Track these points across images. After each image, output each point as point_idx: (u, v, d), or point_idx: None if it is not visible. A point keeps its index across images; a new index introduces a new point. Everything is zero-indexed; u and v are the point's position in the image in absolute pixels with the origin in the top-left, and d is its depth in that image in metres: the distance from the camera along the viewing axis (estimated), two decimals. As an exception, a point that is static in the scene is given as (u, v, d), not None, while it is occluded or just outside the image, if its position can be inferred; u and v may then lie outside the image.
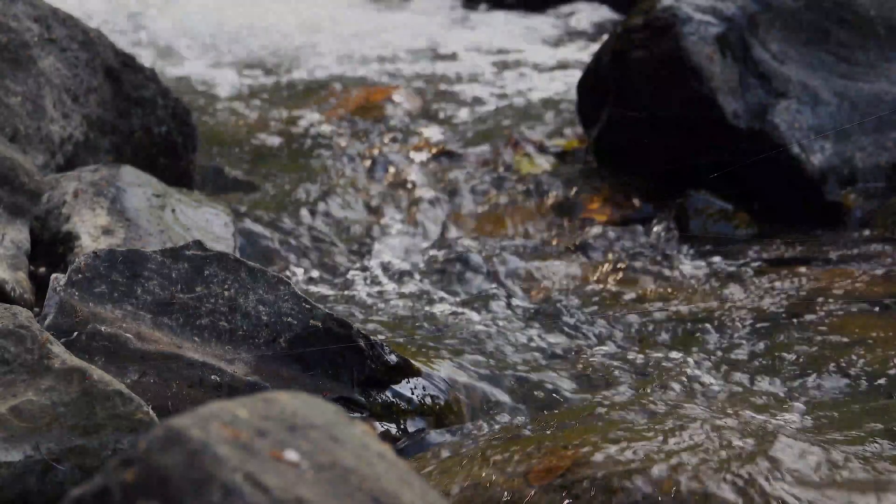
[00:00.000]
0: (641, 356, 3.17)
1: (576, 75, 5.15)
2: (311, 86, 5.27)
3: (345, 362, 2.72)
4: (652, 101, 4.16)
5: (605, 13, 6.54)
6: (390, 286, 3.69)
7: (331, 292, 3.61)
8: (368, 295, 3.61)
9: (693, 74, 4.07)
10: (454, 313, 3.46)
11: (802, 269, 3.70)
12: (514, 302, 3.54)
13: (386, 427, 2.72)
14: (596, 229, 4.06)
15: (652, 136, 4.18)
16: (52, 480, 2.27)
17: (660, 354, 3.18)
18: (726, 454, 2.37)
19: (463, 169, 4.40)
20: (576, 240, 3.98)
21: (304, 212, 4.12)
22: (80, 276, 2.68)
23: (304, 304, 2.74)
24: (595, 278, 3.73)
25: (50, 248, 3.33)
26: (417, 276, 3.75)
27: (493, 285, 3.71)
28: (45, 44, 3.71)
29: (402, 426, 2.74)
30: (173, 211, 3.44)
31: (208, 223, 3.49)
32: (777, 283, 3.62)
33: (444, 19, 6.54)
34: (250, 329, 2.70)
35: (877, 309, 3.40)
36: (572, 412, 2.77)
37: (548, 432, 2.60)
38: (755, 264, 3.76)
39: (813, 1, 4.27)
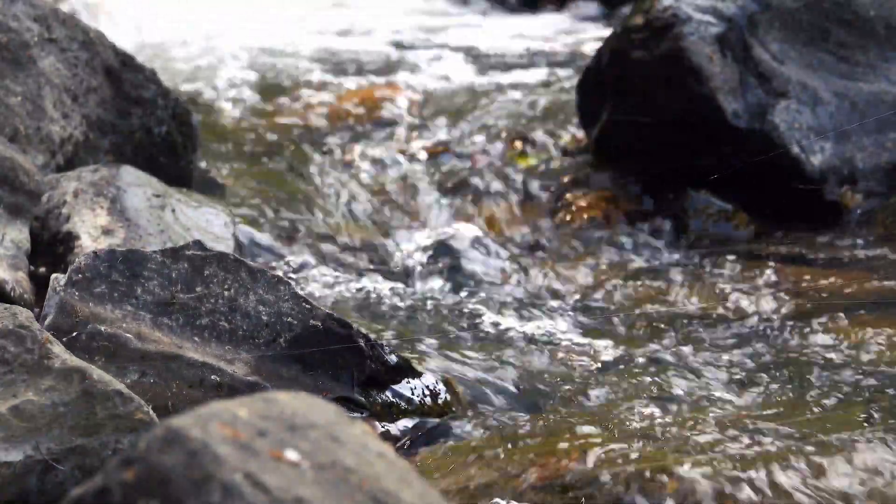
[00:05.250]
0: (642, 356, 3.17)
1: (576, 75, 5.14)
2: (311, 85, 5.27)
3: (345, 362, 2.72)
4: (652, 101, 4.15)
5: (606, 12, 6.54)
6: (391, 285, 3.69)
7: (331, 292, 3.61)
8: (369, 295, 3.61)
9: (693, 74, 4.07)
10: (454, 313, 3.46)
11: (802, 269, 3.70)
12: (515, 301, 3.54)
13: (386, 427, 2.72)
14: (595, 229, 4.06)
15: (652, 135, 4.18)
16: (52, 480, 2.27)
17: (660, 355, 3.18)
18: (727, 454, 2.37)
19: (462, 168, 4.40)
20: (575, 239, 3.98)
21: (304, 211, 4.12)
22: (80, 276, 2.68)
23: (304, 304, 2.74)
24: (594, 278, 3.72)
25: (50, 248, 3.33)
26: (417, 276, 3.75)
27: (493, 285, 3.70)
28: (45, 44, 3.71)
29: (402, 426, 2.75)
30: (173, 211, 3.44)
31: (208, 223, 3.49)
32: (777, 284, 3.61)
33: (444, 18, 6.53)
34: (250, 329, 2.70)
35: (877, 309, 3.39)
36: (573, 412, 2.77)
37: (549, 432, 2.60)
38: (755, 264, 3.76)
39: (813, 1, 4.27)
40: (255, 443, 1.41)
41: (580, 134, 4.55)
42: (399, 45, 5.95)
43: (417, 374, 2.83)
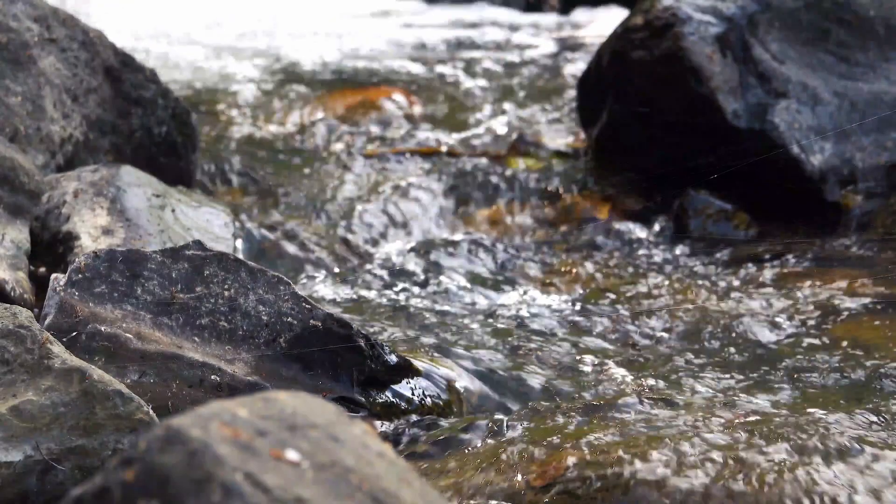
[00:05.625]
0: (641, 356, 3.17)
1: (576, 75, 5.15)
2: (311, 86, 5.27)
3: (345, 362, 2.72)
4: (652, 101, 4.16)
5: (606, 13, 6.55)
6: (390, 286, 3.69)
7: (331, 292, 3.61)
8: (368, 295, 3.61)
9: (693, 74, 4.07)
10: (454, 313, 3.46)
11: (802, 269, 3.70)
12: (514, 302, 3.54)
13: (386, 427, 2.72)
14: (595, 229, 4.06)
15: (652, 135, 4.18)
16: (52, 480, 2.27)
17: (659, 354, 3.19)
18: (725, 454, 2.37)
19: (463, 168, 4.40)
20: (575, 239, 3.99)
21: (303, 212, 4.12)
22: (80, 276, 2.68)
23: (304, 304, 2.74)
24: (594, 278, 3.73)
25: (50, 248, 3.33)
26: (417, 276, 3.75)
27: (493, 285, 3.71)
28: (45, 44, 3.71)
29: (402, 426, 2.74)
30: (173, 211, 3.44)
31: (208, 223, 3.49)
32: (777, 283, 3.62)
33: (444, 18, 6.54)
34: (250, 329, 2.70)
35: (877, 309, 3.40)
36: (573, 412, 2.77)
37: (548, 432, 2.60)
38: (755, 264, 3.76)
39: (813, 1, 4.27)
40: (256, 443, 1.41)
41: (580, 134, 4.55)
42: (399, 46, 5.95)
43: (417, 374, 2.83)
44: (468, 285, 3.71)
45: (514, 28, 6.34)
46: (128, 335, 2.62)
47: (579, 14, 6.62)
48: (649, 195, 4.16)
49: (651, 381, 2.99)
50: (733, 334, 3.31)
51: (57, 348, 2.38)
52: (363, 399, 2.73)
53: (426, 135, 4.73)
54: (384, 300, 3.57)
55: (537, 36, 6.16)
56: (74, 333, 2.61)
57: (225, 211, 3.60)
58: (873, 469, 2.38)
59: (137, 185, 3.46)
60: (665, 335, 3.33)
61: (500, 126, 4.80)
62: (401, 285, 3.70)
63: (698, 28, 4.10)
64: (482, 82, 5.35)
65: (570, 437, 2.50)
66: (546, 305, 3.52)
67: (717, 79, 4.07)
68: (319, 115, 4.91)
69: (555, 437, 2.53)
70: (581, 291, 3.66)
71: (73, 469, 2.27)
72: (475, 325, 3.34)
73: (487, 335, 3.27)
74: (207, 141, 4.53)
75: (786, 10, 4.24)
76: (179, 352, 2.63)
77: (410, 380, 2.81)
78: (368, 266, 3.83)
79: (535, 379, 3.00)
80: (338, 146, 4.64)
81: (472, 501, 2.35)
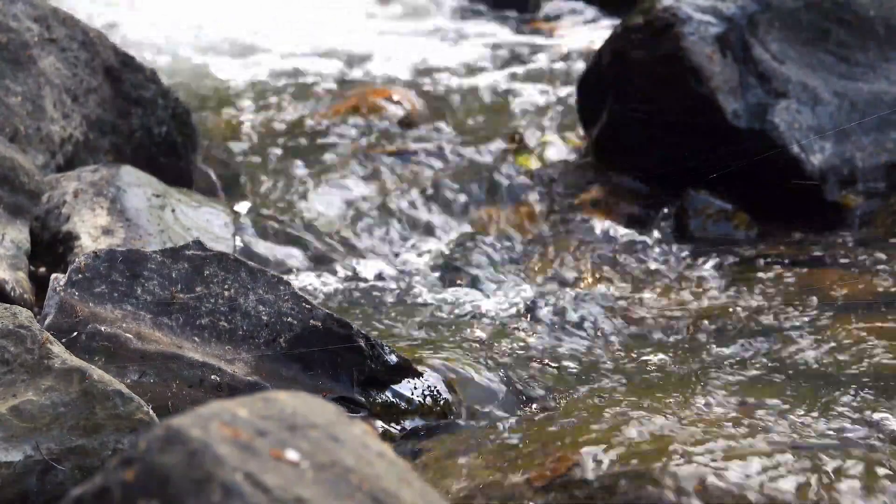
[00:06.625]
0: (641, 356, 3.17)
1: (576, 75, 5.15)
2: (310, 85, 5.27)
3: (345, 362, 2.72)
4: (652, 101, 4.16)
5: (607, 13, 6.54)
6: (390, 286, 3.69)
7: (331, 292, 3.61)
8: (368, 295, 3.61)
9: (693, 74, 4.07)
10: (454, 313, 3.46)
11: (802, 269, 3.70)
12: (514, 302, 3.54)
13: (386, 427, 2.72)
14: (595, 229, 4.06)
15: (652, 135, 4.18)
16: (52, 480, 2.27)
17: (659, 355, 3.19)
18: (724, 453, 2.37)
19: (463, 168, 4.40)
20: (575, 240, 3.98)
21: (304, 212, 4.12)
22: (80, 276, 2.68)
23: (304, 304, 2.74)
24: (594, 278, 3.73)
25: (50, 248, 3.33)
26: (417, 276, 3.75)
27: (493, 285, 3.71)
28: (45, 44, 3.71)
29: (402, 426, 2.75)
30: (173, 211, 3.44)
31: (208, 223, 3.49)
32: (777, 284, 3.61)
33: (443, 18, 6.54)
34: (250, 329, 2.70)
35: (877, 309, 3.40)
36: (572, 412, 2.77)
37: (548, 432, 2.60)
38: (755, 264, 3.76)
39: (813, 1, 4.27)
40: (256, 443, 1.41)
41: (580, 134, 4.55)
42: (399, 46, 5.96)
43: (417, 374, 2.83)
44: (468, 286, 3.71)
45: (513, 28, 6.34)
46: (128, 335, 2.62)
47: (581, 11, 6.62)
48: (649, 195, 4.16)
49: (652, 381, 3.00)
50: (732, 335, 3.31)
51: (57, 348, 2.38)
52: (363, 399, 2.73)
53: (426, 134, 4.73)
54: (384, 300, 3.57)
55: (538, 34, 6.16)
56: (74, 333, 2.61)
57: (225, 211, 3.60)
58: (884, 463, 2.38)
59: (137, 185, 3.46)
60: (664, 336, 3.33)
61: (499, 126, 4.80)
62: (401, 285, 3.70)
63: (698, 28, 4.10)
64: (482, 82, 5.35)
65: (571, 437, 2.50)
66: (546, 305, 3.51)
67: (717, 79, 4.07)
68: (320, 114, 4.91)
69: (556, 437, 2.53)
70: (581, 292, 3.66)
71: (73, 469, 2.27)
72: (475, 325, 3.34)
73: (488, 335, 3.27)
74: (207, 141, 4.53)
75: (786, 10, 4.24)
76: (179, 352, 2.63)
77: (410, 380, 2.81)
78: (368, 265, 3.83)
79: (536, 379, 3.00)
80: (338, 146, 4.64)
81: (472, 502, 2.35)
